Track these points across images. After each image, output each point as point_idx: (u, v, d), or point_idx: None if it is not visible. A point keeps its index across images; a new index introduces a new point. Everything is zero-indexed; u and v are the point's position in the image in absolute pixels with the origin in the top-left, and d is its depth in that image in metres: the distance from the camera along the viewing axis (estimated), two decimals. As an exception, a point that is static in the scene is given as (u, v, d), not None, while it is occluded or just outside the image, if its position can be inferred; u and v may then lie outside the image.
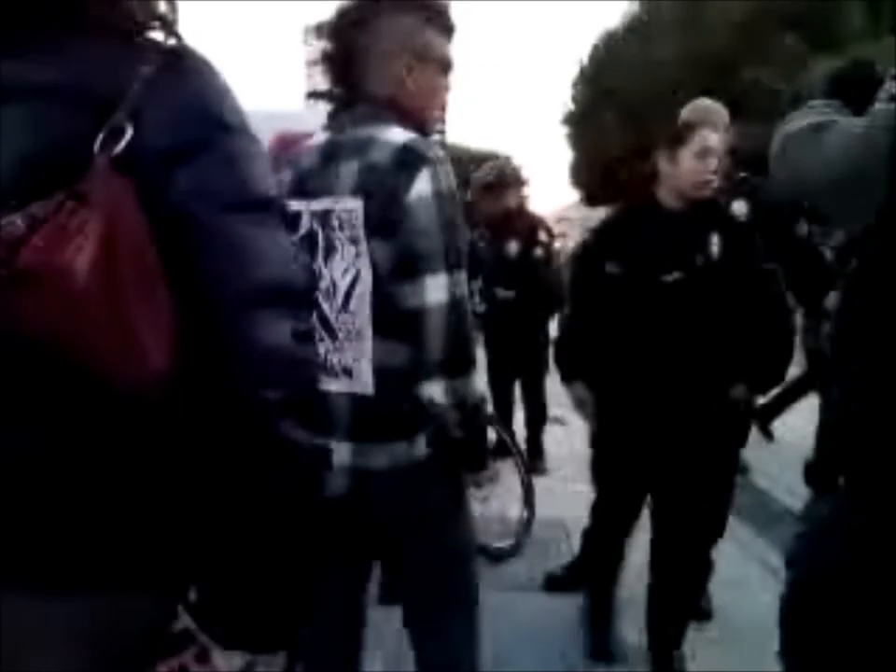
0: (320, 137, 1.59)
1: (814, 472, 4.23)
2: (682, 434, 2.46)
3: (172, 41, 0.92)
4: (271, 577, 0.88)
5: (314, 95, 1.63)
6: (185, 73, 0.89)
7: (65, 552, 0.87)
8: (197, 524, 0.85)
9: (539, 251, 4.80)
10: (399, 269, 1.45)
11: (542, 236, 4.86)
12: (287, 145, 1.83)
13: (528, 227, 4.86)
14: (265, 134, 1.82)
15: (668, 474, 2.52)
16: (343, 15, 1.56)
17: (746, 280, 2.46)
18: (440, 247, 1.44)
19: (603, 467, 2.72)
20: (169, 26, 0.92)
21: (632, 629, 2.81)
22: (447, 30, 1.61)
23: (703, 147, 2.43)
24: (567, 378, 2.81)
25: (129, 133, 0.84)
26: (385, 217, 1.44)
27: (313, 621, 1.64)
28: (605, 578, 2.83)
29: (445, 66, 1.62)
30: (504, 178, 4.87)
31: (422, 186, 1.43)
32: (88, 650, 0.88)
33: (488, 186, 4.78)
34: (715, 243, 2.44)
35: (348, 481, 1.50)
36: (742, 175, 3.04)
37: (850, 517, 1.30)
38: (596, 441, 2.73)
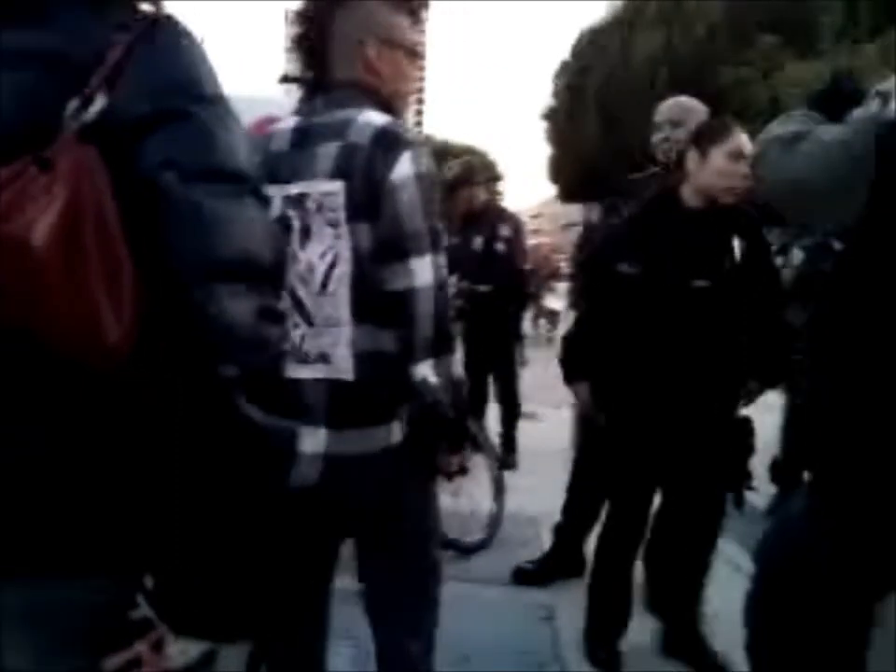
0: (290, 121, 1.59)
1: (780, 470, 4.30)
2: (693, 439, 2.45)
3: (152, 9, 0.90)
4: (231, 563, 0.86)
5: (286, 80, 1.62)
6: (163, 41, 0.88)
7: (20, 536, 0.85)
8: (154, 505, 0.84)
9: (500, 246, 4.81)
10: (383, 251, 1.45)
11: (505, 231, 4.86)
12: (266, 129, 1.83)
13: (490, 222, 4.86)
14: (245, 119, 1.81)
15: (676, 473, 2.52)
16: (312, 1, 1.58)
17: (762, 282, 2.46)
18: (424, 229, 1.45)
19: (613, 465, 2.68)
20: None
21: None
22: (416, 17, 1.63)
23: (737, 149, 2.36)
24: (571, 378, 2.77)
25: (101, 101, 0.83)
26: (368, 198, 1.44)
27: (278, 610, 1.64)
28: (620, 580, 2.68)
29: (414, 52, 1.64)
30: (470, 175, 4.87)
31: (404, 167, 1.44)
32: (45, 635, 0.87)
33: (454, 183, 4.77)
34: (737, 245, 2.42)
35: (321, 468, 1.49)
36: None
37: (817, 513, 1.31)
38: (606, 441, 2.69)
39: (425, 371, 1.47)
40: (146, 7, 0.91)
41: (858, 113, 1.25)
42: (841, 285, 1.31)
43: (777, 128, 1.36)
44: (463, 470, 1.67)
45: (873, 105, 1.26)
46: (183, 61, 0.89)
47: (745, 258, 2.42)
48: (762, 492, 4.21)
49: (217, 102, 0.90)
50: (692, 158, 2.42)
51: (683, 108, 3.09)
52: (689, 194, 2.45)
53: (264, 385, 0.87)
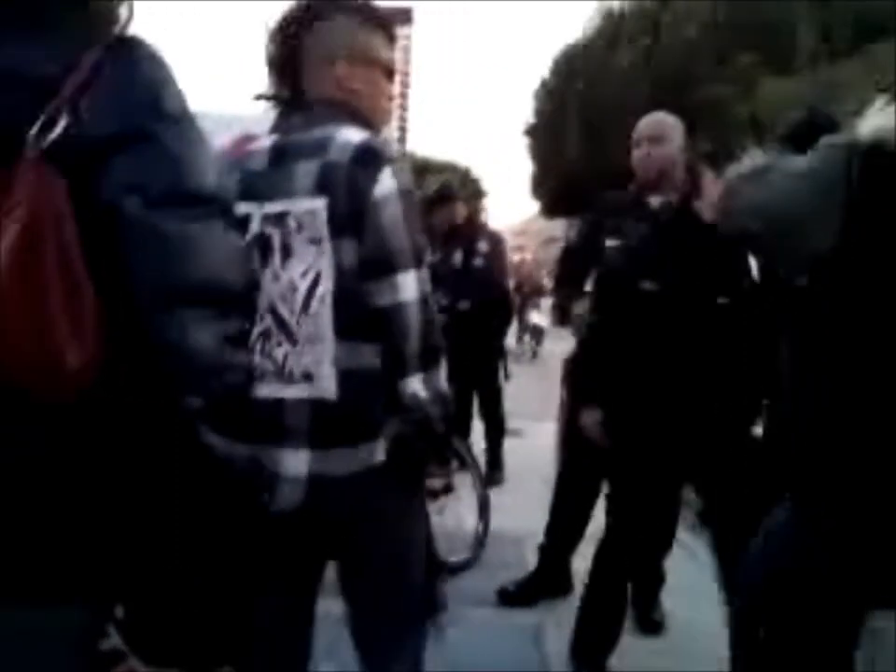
0: (267, 140, 1.58)
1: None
2: (712, 457, 2.42)
3: (119, 29, 0.89)
4: (203, 590, 0.84)
5: (262, 97, 1.62)
6: (129, 61, 0.87)
7: (8, 560, 0.83)
8: (123, 534, 0.82)
9: (478, 261, 4.81)
10: (368, 267, 1.44)
11: (483, 247, 4.87)
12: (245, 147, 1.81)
13: (468, 237, 4.87)
14: (223, 137, 1.80)
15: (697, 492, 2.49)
16: (284, 20, 1.59)
17: (778, 300, 2.45)
18: (408, 244, 1.45)
19: (622, 484, 2.62)
20: (113, 16, 0.90)
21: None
22: (387, 35, 1.64)
23: None
24: (580, 402, 2.71)
25: (63, 122, 0.81)
26: (351, 215, 1.43)
27: (257, 636, 1.62)
28: (616, 598, 2.64)
29: (387, 70, 1.65)
30: (450, 192, 4.88)
31: (386, 183, 1.43)
32: (16, 664, 0.85)
33: (432, 201, 4.77)
34: (753, 262, 2.41)
35: (305, 490, 1.46)
36: None
37: (802, 525, 1.31)
38: (616, 463, 2.64)
39: (415, 385, 1.47)
40: (113, 27, 0.90)
41: (825, 140, 1.26)
42: (819, 310, 1.31)
43: (742, 166, 1.36)
44: (448, 489, 1.65)
45: (842, 134, 1.27)
46: (148, 80, 0.88)
47: (762, 275, 2.41)
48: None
49: (183, 121, 0.89)
50: (706, 174, 2.42)
51: (663, 125, 3.11)
52: (704, 209, 2.43)
53: (231, 410, 0.85)
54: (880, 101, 1.30)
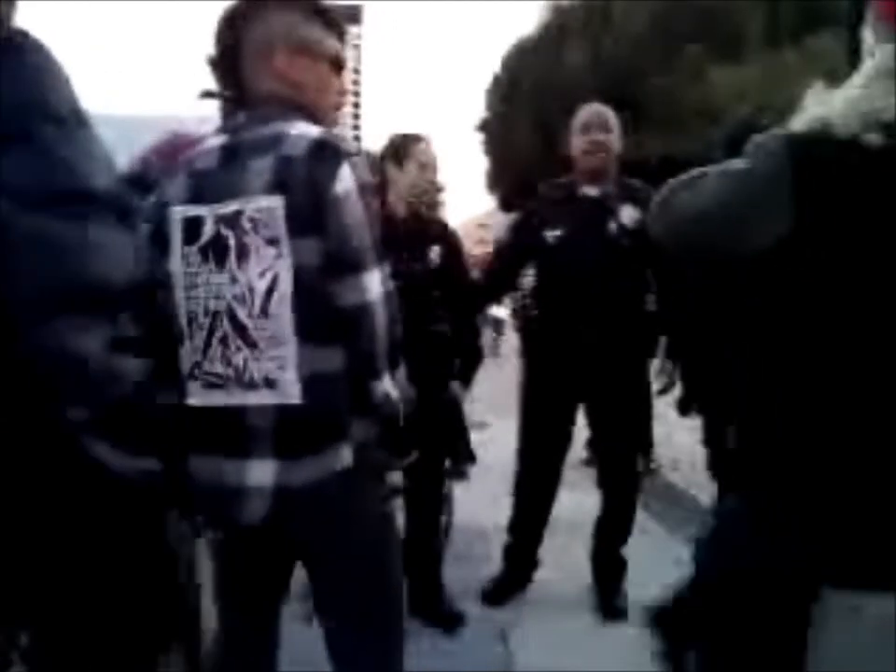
0: (216, 140, 1.53)
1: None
2: None
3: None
4: (107, 615, 0.80)
5: (207, 95, 1.58)
6: (8, 63, 0.83)
7: None
8: (23, 558, 0.78)
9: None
10: (332, 266, 1.40)
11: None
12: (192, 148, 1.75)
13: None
14: (145, 138, 1.78)
15: None
16: (223, 18, 1.54)
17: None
18: (370, 241, 1.42)
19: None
20: None
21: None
22: (332, 27, 1.60)
23: None
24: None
25: None
26: (311, 212, 1.38)
27: (222, 642, 1.59)
28: None
29: (334, 63, 1.60)
30: None
31: (345, 180, 1.39)
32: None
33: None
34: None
35: (272, 500, 1.41)
36: (630, 181, 3.08)
37: (754, 513, 1.32)
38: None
39: (386, 385, 1.45)
40: None
41: (759, 138, 1.26)
42: (766, 295, 1.31)
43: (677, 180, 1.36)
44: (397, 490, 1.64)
45: (779, 128, 1.27)
46: (31, 81, 0.84)
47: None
48: (711, 492, 4.27)
49: (67, 121, 0.84)
50: None
51: (610, 115, 3.12)
52: None
53: (126, 420, 0.81)
54: (818, 87, 1.31)
